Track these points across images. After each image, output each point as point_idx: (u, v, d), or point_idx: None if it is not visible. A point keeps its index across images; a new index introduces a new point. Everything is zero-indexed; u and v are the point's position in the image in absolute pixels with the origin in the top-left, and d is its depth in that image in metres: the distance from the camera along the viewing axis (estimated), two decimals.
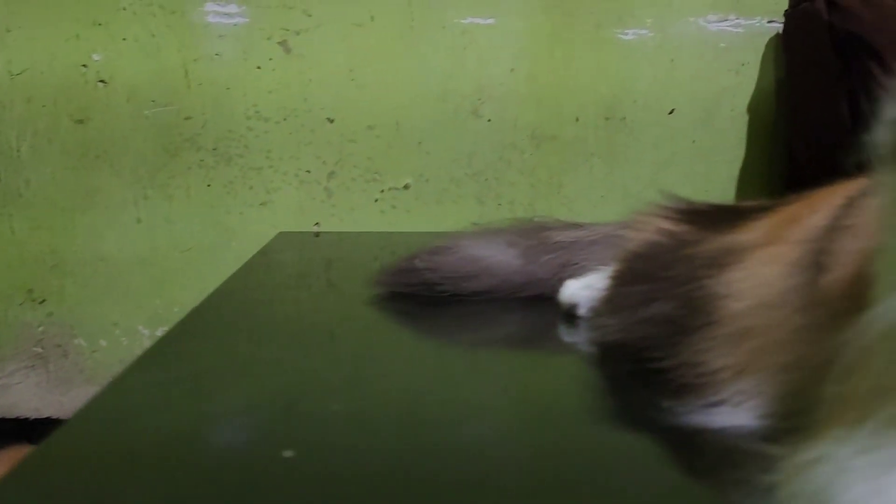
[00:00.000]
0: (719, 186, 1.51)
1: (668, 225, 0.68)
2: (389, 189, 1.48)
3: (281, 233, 1.38)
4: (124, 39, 1.42)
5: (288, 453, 0.45)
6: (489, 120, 1.48)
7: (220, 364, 0.65)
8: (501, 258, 0.82)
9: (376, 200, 1.49)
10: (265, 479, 0.42)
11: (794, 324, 0.44)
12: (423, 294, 0.81)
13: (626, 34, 1.48)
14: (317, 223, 1.48)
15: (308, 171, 1.47)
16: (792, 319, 0.44)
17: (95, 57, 1.42)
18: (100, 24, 1.42)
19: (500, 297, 0.81)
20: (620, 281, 0.66)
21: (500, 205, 1.50)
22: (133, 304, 1.50)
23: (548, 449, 0.48)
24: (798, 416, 0.39)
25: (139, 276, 1.48)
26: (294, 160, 1.46)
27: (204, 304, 0.82)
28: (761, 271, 0.49)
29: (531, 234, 0.85)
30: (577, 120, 1.49)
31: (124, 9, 1.41)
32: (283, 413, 0.53)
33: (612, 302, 0.65)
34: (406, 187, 1.48)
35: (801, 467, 0.33)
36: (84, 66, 1.42)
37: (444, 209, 1.49)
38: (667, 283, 0.58)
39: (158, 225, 1.47)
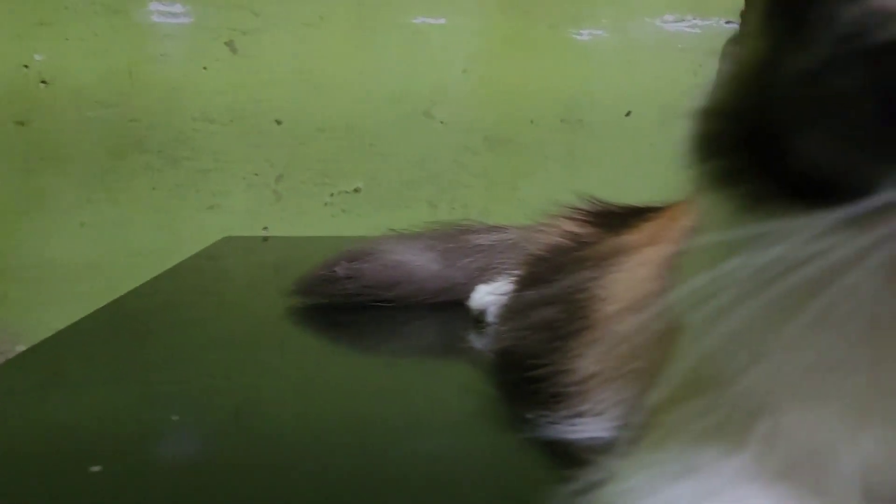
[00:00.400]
0: (679, 189, 1.48)
1: (573, 227, 0.65)
2: (340, 192, 1.45)
3: (226, 237, 1.35)
4: (67, 39, 1.39)
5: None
6: (442, 122, 1.45)
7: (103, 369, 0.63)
8: (420, 263, 0.79)
9: (326, 204, 1.45)
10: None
11: (651, 329, 0.41)
12: (340, 303, 0.79)
13: (582, 35, 1.45)
14: (265, 227, 1.45)
15: (256, 175, 1.44)
16: (650, 324, 0.41)
17: (38, 57, 1.39)
18: (42, 24, 1.38)
19: (418, 302, 0.78)
20: (519, 286, 0.63)
21: (453, 208, 1.47)
22: (79, 310, 1.45)
23: (402, 457, 0.46)
24: (639, 428, 0.36)
25: (85, 282, 1.44)
26: (242, 163, 1.43)
27: (102, 310, 0.80)
28: (635, 273, 0.47)
29: (451, 237, 0.82)
30: (532, 122, 1.46)
31: (67, 8, 1.38)
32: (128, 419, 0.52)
33: (509, 307, 0.62)
34: (357, 191, 1.45)
35: (601, 484, 0.31)
36: (26, 66, 1.39)
37: (397, 213, 1.46)
38: (556, 286, 0.55)
39: (105, 229, 1.44)
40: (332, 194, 1.46)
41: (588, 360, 0.46)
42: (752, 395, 0.30)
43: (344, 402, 0.57)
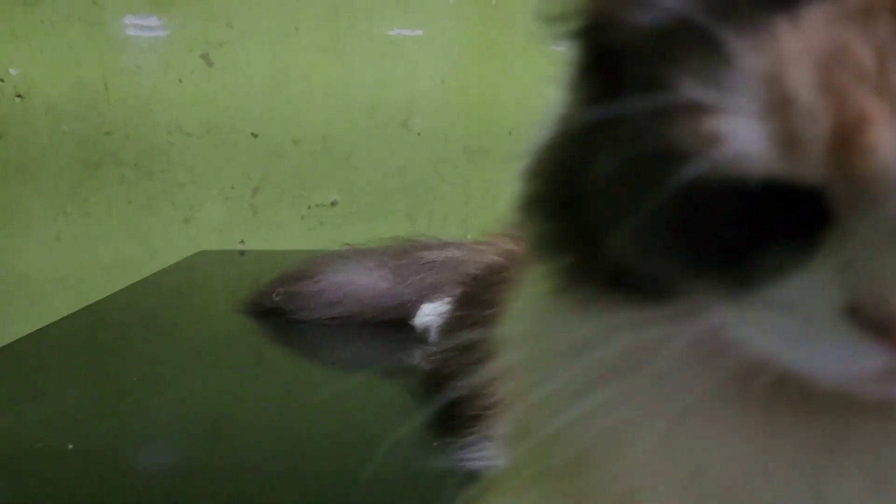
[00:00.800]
0: None
1: (512, 245, 0.63)
2: (317, 205, 1.44)
3: (201, 251, 1.34)
4: (42, 53, 1.38)
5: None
6: (419, 133, 1.43)
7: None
8: (366, 282, 0.78)
9: (303, 217, 1.44)
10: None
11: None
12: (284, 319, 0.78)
13: (560, 45, 1.43)
14: (241, 241, 1.44)
15: (232, 187, 1.43)
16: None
17: (13, 71, 1.38)
18: (17, 37, 1.38)
19: (366, 321, 0.77)
20: (454, 305, 0.61)
21: (431, 220, 1.45)
22: None
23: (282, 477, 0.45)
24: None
25: (59, 295, 1.43)
26: (218, 176, 1.42)
27: (68, 318, 0.81)
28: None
29: (403, 253, 0.81)
30: (511, 133, 1.44)
31: (42, 21, 1.38)
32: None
33: (443, 327, 0.61)
34: (333, 203, 1.44)
35: None
36: (1, 80, 1.38)
37: (374, 225, 1.44)
38: (482, 307, 0.53)
39: (79, 242, 1.43)
40: (308, 207, 1.44)
41: (497, 385, 0.44)
42: (570, 450, 0.29)
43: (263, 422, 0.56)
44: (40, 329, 0.81)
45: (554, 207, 0.28)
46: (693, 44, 0.23)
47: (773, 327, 0.24)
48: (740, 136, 0.22)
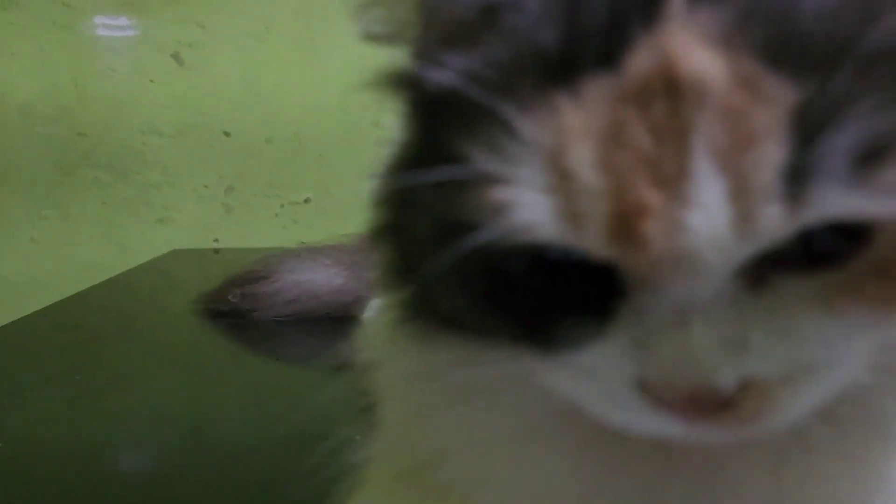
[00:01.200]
0: None
1: None
2: (290, 203, 1.44)
3: (174, 250, 1.35)
4: (13, 55, 1.38)
5: None
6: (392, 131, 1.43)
7: None
8: (321, 279, 0.78)
9: (277, 215, 1.45)
10: None
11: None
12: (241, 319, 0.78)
13: None
14: (216, 240, 1.44)
15: (206, 187, 1.43)
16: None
17: None
18: None
19: (321, 317, 0.78)
20: None
21: None
22: None
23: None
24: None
25: (35, 297, 1.43)
26: (191, 176, 1.43)
27: (36, 314, 0.82)
28: None
29: (360, 249, 0.81)
30: None
31: (12, 24, 1.38)
32: None
33: None
34: (307, 201, 1.44)
35: None
36: None
37: (348, 223, 1.44)
38: None
39: (55, 244, 1.44)
40: (282, 205, 1.45)
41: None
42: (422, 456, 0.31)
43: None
44: (7, 324, 0.81)
45: (395, 240, 0.29)
46: (480, 114, 0.23)
47: (577, 388, 0.25)
48: (526, 207, 0.22)
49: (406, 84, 0.27)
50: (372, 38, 0.29)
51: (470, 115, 0.23)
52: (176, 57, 1.40)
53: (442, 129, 0.24)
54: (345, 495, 0.33)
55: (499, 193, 0.22)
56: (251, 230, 1.44)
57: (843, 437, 0.26)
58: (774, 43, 0.21)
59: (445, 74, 0.24)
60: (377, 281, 0.31)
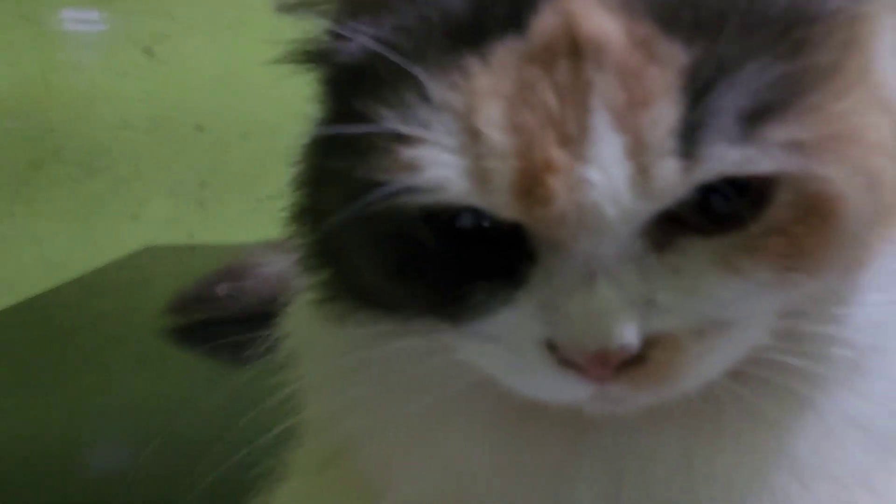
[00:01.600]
0: None
1: None
2: (265, 198, 1.42)
3: (147, 247, 1.33)
4: None
5: None
6: None
7: None
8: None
9: (252, 210, 1.43)
10: None
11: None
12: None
13: None
14: (190, 235, 1.42)
15: (179, 182, 1.41)
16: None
17: None
18: None
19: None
20: None
21: None
22: None
23: None
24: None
25: (5, 295, 1.41)
26: (164, 171, 1.41)
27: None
28: None
29: None
30: None
31: None
32: None
33: None
34: (282, 196, 1.43)
35: None
36: None
37: None
38: None
39: (25, 242, 1.41)
40: (257, 200, 1.43)
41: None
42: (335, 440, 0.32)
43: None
44: None
45: (312, 221, 0.29)
46: (392, 78, 0.24)
47: (489, 356, 0.25)
48: (436, 166, 0.23)
49: (318, 58, 0.29)
50: (285, 9, 0.29)
51: (382, 80, 0.24)
52: (147, 50, 1.38)
53: (355, 98, 0.25)
54: (273, 486, 0.33)
55: (409, 152, 0.23)
56: (226, 225, 1.42)
57: (751, 401, 0.26)
58: (668, 7, 0.22)
59: (357, 43, 0.25)
60: (298, 264, 0.31)
